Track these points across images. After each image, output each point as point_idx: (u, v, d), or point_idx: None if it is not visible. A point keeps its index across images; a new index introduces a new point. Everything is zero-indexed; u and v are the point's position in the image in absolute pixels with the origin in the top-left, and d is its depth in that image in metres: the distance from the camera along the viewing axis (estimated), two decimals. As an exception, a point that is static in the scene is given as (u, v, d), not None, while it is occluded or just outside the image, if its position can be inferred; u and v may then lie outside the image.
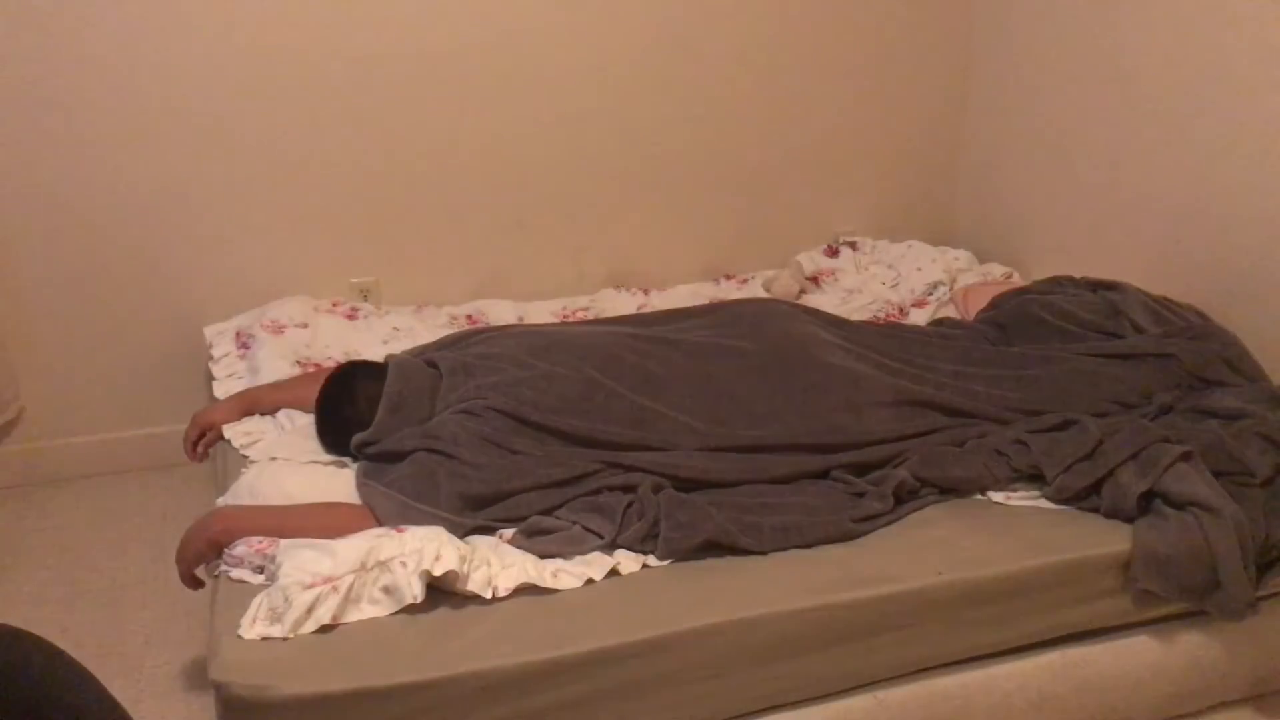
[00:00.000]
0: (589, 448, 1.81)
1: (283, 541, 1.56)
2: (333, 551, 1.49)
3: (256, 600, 1.47)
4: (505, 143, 2.68)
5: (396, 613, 1.48)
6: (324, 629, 1.44)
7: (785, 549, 1.66)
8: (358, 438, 1.83)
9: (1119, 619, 1.73)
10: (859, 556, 1.65)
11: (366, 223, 2.65)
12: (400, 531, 1.56)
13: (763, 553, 1.65)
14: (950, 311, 2.61)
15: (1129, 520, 1.74)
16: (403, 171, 2.63)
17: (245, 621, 1.44)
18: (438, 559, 1.48)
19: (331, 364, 2.22)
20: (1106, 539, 1.70)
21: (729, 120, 2.86)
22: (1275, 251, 2.17)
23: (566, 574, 1.56)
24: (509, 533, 1.67)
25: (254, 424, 2.01)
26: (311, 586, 1.44)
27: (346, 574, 1.47)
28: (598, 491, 1.74)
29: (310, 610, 1.43)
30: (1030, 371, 2.11)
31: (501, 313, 2.63)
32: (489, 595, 1.51)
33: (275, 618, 1.43)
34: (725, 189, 2.93)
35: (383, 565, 1.48)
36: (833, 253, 2.97)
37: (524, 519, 1.70)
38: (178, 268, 2.54)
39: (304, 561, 1.48)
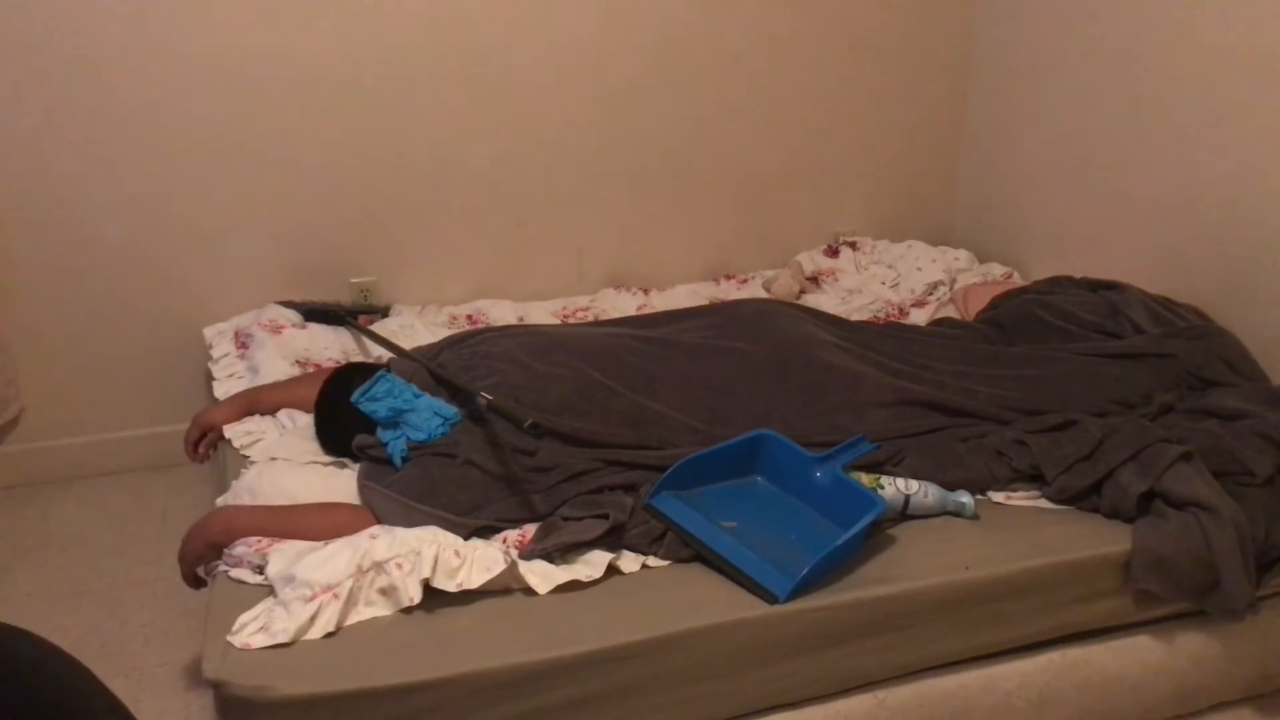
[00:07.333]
0: (589, 448, 1.81)
1: (275, 551, 1.55)
2: (329, 558, 1.49)
3: (256, 613, 1.45)
4: (506, 143, 2.68)
5: (396, 613, 1.48)
6: (323, 629, 1.44)
7: (785, 549, 1.66)
8: (359, 439, 1.83)
9: (1119, 619, 1.73)
10: (860, 557, 1.64)
11: (366, 223, 2.65)
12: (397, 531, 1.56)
13: (763, 552, 1.65)
14: (950, 311, 2.62)
15: (1129, 520, 1.74)
16: (403, 172, 2.63)
17: (244, 635, 1.41)
18: (436, 562, 1.48)
19: (331, 364, 2.22)
20: (1106, 539, 1.70)
21: (729, 120, 2.86)
22: (1275, 251, 2.17)
23: (567, 573, 1.56)
24: (512, 533, 1.67)
25: (254, 424, 2.01)
26: (313, 599, 1.44)
27: (345, 579, 1.46)
28: (598, 490, 1.74)
29: (313, 619, 1.43)
30: (1030, 371, 2.11)
31: (501, 313, 2.63)
32: (487, 593, 1.50)
33: (277, 632, 1.41)
34: (725, 189, 2.93)
35: (379, 566, 1.48)
36: (833, 253, 2.97)
37: (524, 519, 1.70)
38: (178, 268, 2.54)
39: (302, 573, 1.46)
